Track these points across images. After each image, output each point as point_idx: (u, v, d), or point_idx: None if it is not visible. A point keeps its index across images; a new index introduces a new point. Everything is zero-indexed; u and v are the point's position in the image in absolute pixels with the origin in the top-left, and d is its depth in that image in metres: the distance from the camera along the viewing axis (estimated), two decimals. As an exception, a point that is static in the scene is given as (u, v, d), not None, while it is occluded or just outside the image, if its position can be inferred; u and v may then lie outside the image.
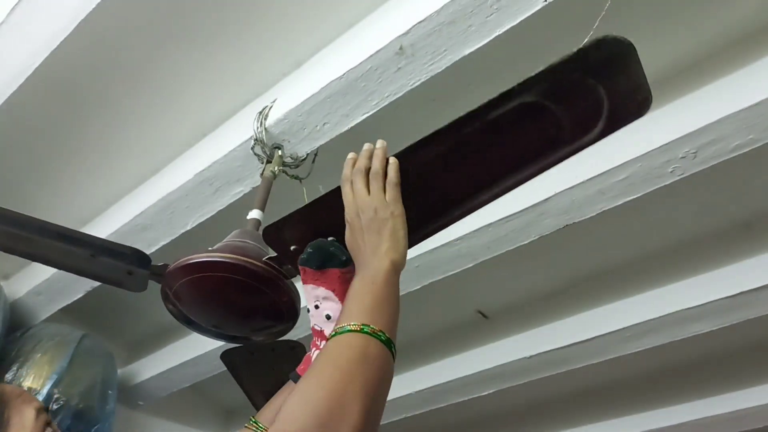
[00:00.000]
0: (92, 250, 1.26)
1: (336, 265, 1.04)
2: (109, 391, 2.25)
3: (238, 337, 1.36)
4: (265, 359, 1.54)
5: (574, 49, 0.91)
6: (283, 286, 1.15)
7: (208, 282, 1.16)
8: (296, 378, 1.04)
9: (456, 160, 1.05)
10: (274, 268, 1.15)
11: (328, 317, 1.04)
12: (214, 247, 1.22)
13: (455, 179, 1.07)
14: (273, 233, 1.12)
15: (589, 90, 0.94)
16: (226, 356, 1.56)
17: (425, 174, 1.06)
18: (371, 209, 0.97)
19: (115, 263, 1.26)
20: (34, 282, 2.18)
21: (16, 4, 1.42)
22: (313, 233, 1.09)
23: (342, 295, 1.03)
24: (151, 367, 2.53)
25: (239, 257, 1.13)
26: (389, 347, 0.82)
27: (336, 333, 0.82)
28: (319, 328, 1.06)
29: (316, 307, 1.06)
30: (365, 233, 0.96)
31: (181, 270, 1.16)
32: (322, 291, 1.06)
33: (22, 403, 0.90)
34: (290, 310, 1.21)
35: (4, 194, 1.97)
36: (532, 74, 0.93)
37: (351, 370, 0.76)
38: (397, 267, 0.94)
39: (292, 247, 1.12)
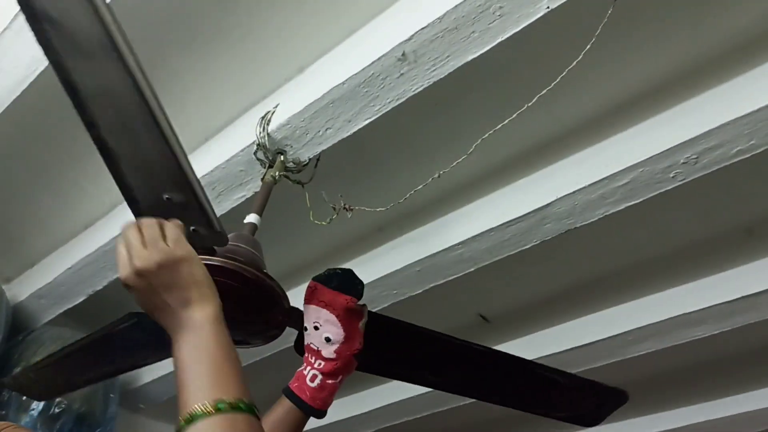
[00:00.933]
0: (178, 193, 1.04)
1: (350, 294, 1.08)
2: (111, 395, 2.25)
3: (235, 341, 1.35)
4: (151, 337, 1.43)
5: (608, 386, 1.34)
6: (271, 293, 1.15)
7: None
8: (288, 393, 1.07)
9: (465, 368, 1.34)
10: (267, 276, 1.15)
11: (328, 340, 1.07)
12: None
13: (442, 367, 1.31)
14: None
15: (590, 402, 1.39)
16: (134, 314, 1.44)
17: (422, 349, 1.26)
18: (152, 263, 0.80)
19: (174, 209, 1.05)
20: (36, 285, 2.19)
21: (19, 10, 1.42)
22: None
23: (344, 321, 1.07)
24: (152, 370, 2.53)
25: (231, 262, 1.10)
26: (252, 412, 0.72)
27: (186, 422, 0.70)
28: (315, 348, 1.09)
29: (316, 328, 1.09)
30: (161, 292, 0.80)
31: None
32: (325, 314, 1.08)
33: None
34: (282, 315, 1.20)
35: (9, 199, 1.98)
36: (580, 377, 1.34)
37: None
38: (218, 311, 0.82)
39: None
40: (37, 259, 2.26)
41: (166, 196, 1.02)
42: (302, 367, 1.10)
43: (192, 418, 0.69)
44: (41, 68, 1.48)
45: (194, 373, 0.76)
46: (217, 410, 0.69)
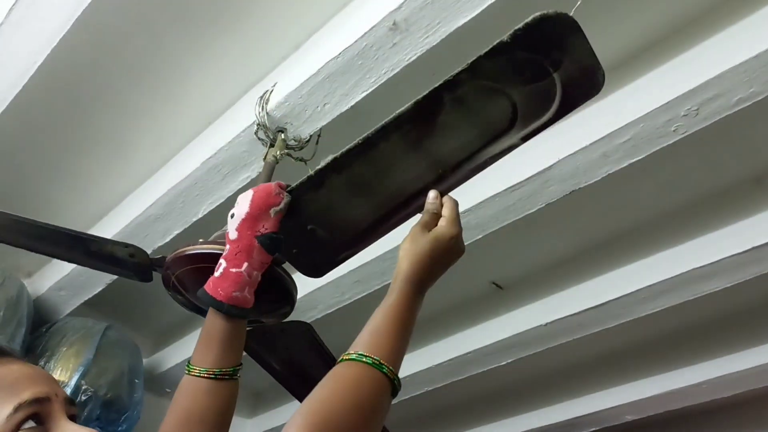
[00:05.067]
0: (91, 247, 1.40)
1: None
2: (136, 380, 2.31)
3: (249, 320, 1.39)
4: (276, 340, 1.56)
5: (514, 29, 0.92)
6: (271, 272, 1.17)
7: (205, 271, 1.19)
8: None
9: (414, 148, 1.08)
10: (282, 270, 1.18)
11: (232, 216, 1.02)
12: (211, 237, 1.25)
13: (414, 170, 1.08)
14: None
15: (538, 71, 0.93)
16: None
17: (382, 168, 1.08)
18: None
19: (117, 258, 1.36)
20: (56, 278, 2.24)
21: (14, 3, 1.44)
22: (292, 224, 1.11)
23: (255, 200, 1.01)
24: (175, 354, 2.59)
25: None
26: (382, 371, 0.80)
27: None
28: (227, 232, 1.03)
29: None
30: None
31: (173, 263, 1.20)
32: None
33: None
34: (283, 293, 1.23)
35: (20, 194, 2.02)
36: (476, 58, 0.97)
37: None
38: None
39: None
40: (54, 252, 2.31)
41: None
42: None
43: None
44: (41, 60, 1.50)
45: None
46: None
